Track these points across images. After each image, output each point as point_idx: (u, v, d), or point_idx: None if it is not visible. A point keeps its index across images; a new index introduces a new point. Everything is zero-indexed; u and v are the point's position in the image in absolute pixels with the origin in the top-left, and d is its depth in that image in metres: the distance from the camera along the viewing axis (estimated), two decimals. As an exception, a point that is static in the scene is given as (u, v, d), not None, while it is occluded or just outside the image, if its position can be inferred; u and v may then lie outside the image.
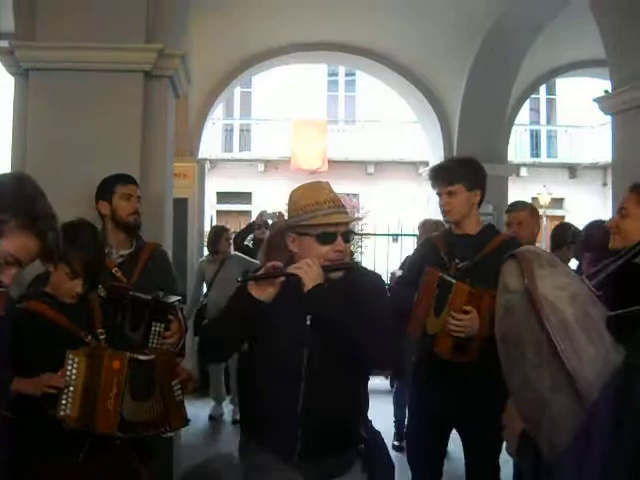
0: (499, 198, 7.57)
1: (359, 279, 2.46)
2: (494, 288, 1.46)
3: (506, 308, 1.28)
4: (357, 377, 2.53)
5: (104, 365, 2.56)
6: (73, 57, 3.96)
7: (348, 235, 2.44)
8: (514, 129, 10.46)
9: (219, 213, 18.17)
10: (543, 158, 21.19)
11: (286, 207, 2.53)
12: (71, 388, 2.52)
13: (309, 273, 2.28)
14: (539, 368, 1.20)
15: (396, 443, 5.76)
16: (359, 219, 5.59)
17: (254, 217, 8.74)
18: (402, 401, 5.53)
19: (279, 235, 2.99)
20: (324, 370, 2.31)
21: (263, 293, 2.32)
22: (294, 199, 2.44)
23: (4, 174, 1.99)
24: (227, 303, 2.50)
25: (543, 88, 17.80)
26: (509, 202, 5.36)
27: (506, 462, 3.82)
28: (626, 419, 1.07)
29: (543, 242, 12.07)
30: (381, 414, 6.22)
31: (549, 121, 21.75)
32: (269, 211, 7.86)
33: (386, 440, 6.37)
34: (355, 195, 19.84)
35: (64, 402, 2.51)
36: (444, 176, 3.34)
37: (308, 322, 2.37)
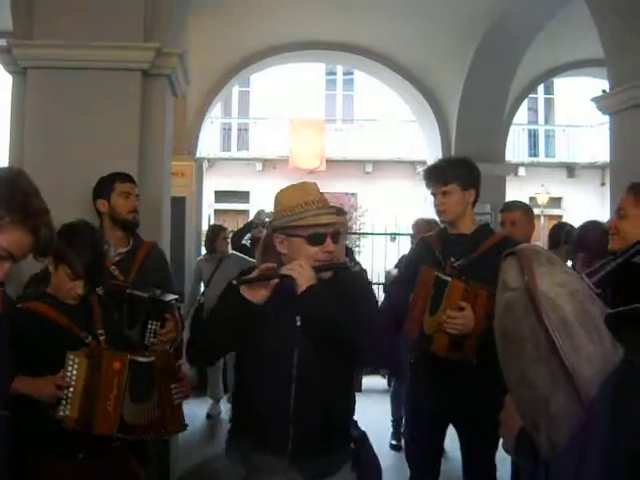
0: (497, 198, 7.57)
1: (344, 277, 2.47)
2: (490, 286, 1.46)
3: (506, 306, 1.28)
4: (346, 376, 2.55)
5: (104, 366, 2.56)
6: (71, 56, 3.96)
7: (337, 235, 2.44)
8: (512, 129, 10.47)
9: (217, 212, 18.16)
10: (541, 158, 21.20)
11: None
12: (71, 389, 2.52)
13: (303, 274, 2.28)
14: (537, 363, 1.20)
15: (394, 442, 5.78)
16: (347, 220, 5.57)
17: (252, 216, 8.74)
18: (399, 400, 5.54)
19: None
20: (314, 370, 2.32)
21: (256, 295, 2.31)
22: (281, 200, 2.42)
23: None
24: (217, 305, 2.49)
25: (541, 88, 17.82)
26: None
27: (504, 460, 3.83)
28: (624, 417, 1.07)
29: (540, 242, 12.08)
30: (379, 413, 6.26)
31: (547, 121, 21.76)
32: (267, 210, 7.85)
33: (384, 439, 6.42)
34: (353, 194, 19.86)
35: (64, 402, 2.51)
36: (438, 176, 3.34)
37: (298, 323, 2.37)
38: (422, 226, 5.77)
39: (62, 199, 3.61)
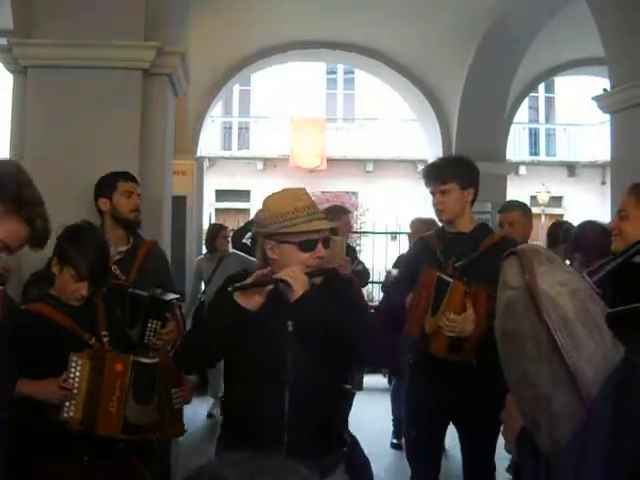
0: (497, 197, 7.57)
1: (331, 279, 2.46)
2: (490, 286, 1.46)
3: (507, 305, 1.28)
4: (339, 380, 2.55)
5: (106, 368, 2.56)
6: (72, 55, 3.96)
7: (328, 241, 2.44)
8: (513, 127, 10.47)
9: (218, 211, 18.15)
10: (542, 156, 21.18)
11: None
12: (74, 390, 2.52)
13: (298, 280, 2.28)
14: (538, 362, 1.20)
15: (395, 441, 5.78)
16: (350, 219, 5.56)
17: (252, 215, 8.74)
18: (400, 399, 5.53)
19: None
20: (308, 375, 2.31)
21: (250, 302, 2.30)
22: (270, 207, 2.40)
23: None
24: (209, 311, 2.48)
25: (542, 86, 17.77)
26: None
27: (503, 459, 3.84)
28: (625, 416, 1.07)
29: (541, 241, 12.07)
30: (380, 412, 6.26)
31: (548, 119, 21.74)
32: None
33: (385, 438, 6.41)
34: (354, 193, 19.85)
35: (67, 404, 2.51)
36: (437, 175, 3.34)
37: (290, 328, 2.37)
38: (419, 226, 5.78)
39: (63, 198, 3.61)
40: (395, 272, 5.01)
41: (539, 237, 13.45)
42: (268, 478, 0.91)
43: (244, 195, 19.94)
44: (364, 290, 6.38)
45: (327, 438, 2.41)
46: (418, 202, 10.65)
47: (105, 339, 2.68)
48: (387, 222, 10.80)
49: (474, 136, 8.78)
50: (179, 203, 6.25)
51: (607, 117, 5.63)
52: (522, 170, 19.70)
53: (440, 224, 3.61)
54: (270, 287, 2.32)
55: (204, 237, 7.54)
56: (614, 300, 1.39)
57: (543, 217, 18.03)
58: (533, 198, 18.67)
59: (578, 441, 1.13)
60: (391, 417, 5.97)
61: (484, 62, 8.31)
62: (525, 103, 11.97)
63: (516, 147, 19.05)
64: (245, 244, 7.54)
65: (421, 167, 10.97)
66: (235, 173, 19.58)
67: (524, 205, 4.70)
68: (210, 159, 17.08)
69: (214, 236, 6.86)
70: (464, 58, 8.50)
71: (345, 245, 3.92)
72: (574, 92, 18.62)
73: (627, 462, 1.06)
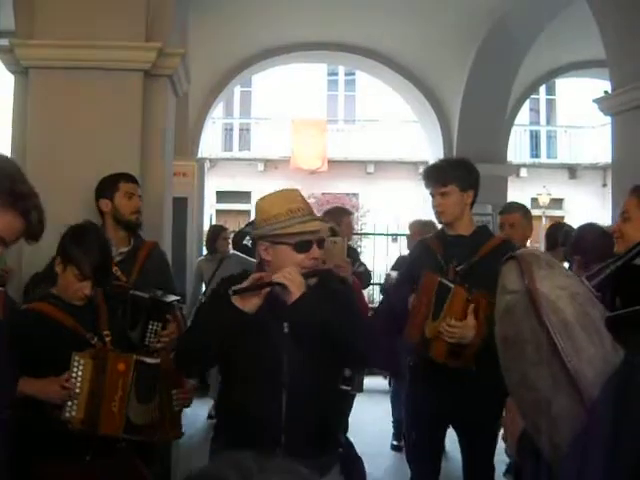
0: (498, 199, 7.58)
1: (325, 280, 2.47)
2: (491, 293, 1.46)
3: (506, 309, 1.28)
4: (335, 380, 2.56)
5: (108, 367, 2.56)
6: (73, 56, 3.96)
7: (322, 242, 2.45)
8: (514, 129, 10.48)
9: (219, 212, 18.17)
10: (543, 159, 21.19)
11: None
12: (77, 390, 2.52)
13: (295, 281, 2.28)
14: (538, 366, 1.20)
15: (395, 443, 5.78)
16: (352, 221, 5.57)
17: (253, 216, 8.73)
18: (399, 401, 5.53)
19: None
20: (304, 376, 2.31)
21: (247, 304, 2.30)
22: (264, 208, 2.40)
23: None
24: (205, 313, 2.48)
25: (543, 88, 17.80)
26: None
27: (502, 462, 3.84)
28: (626, 418, 1.07)
29: (542, 243, 12.06)
30: (380, 414, 6.26)
31: (549, 121, 21.75)
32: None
33: (385, 440, 6.41)
34: (355, 195, 19.86)
35: (69, 404, 2.51)
36: (437, 177, 3.34)
37: (286, 330, 2.37)
38: (418, 228, 5.78)
39: (63, 199, 3.61)
40: (394, 274, 5.00)
41: (539, 239, 13.44)
42: (269, 478, 0.90)
43: (245, 196, 19.93)
44: (365, 292, 6.38)
45: (324, 439, 2.41)
46: (419, 204, 10.65)
47: (107, 339, 2.69)
48: (388, 224, 10.80)
49: (475, 138, 8.78)
50: (180, 204, 6.24)
51: (608, 119, 5.63)
52: (523, 172, 19.71)
53: (439, 226, 3.60)
54: (267, 289, 2.32)
55: (205, 238, 7.54)
56: (613, 303, 1.39)
57: (544, 219, 18.03)
58: (534, 200, 18.68)
59: (579, 444, 1.13)
60: (391, 419, 5.97)
61: (485, 64, 8.32)
62: (526, 105, 11.97)
63: (517, 149, 19.06)
64: (246, 245, 7.53)
65: (422, 169, 10.97)
66: (236, 174, 19.59)
67: (525, 207, 4.70)
68: (211, 160, 17.10)
69: (214, 237, 6.86)
70: (465, 59, 8.51)
71: (346, 246, 3.91)
72: (575, 94, 18.63)
73: (628, 464, 1.07)
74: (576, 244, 3.62)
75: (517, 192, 12.56)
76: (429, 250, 3.39)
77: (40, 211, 1.78)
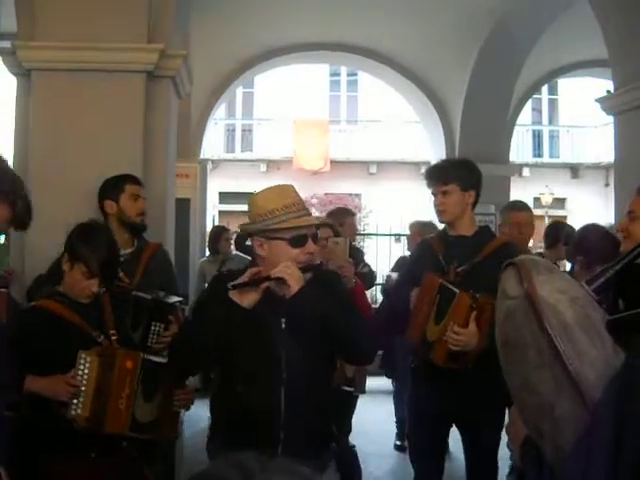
0: (501, 198, 7.57)
1: (319, 274, 2.47)
2: (493, 295, 1.46)
3: (507, 314, 1.28)
4: (329, 374, 2.58)
5: (117, 365, 2.56)
6: (75, 57, 3.97)
7: (316, 237, 2.46)
8: (516, 129, 10.47)
9: (221, 213, 18.16)
10: (545, 158, 21.15)
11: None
12: (82, 388, 2.52)
13: (293, 276, 2.28)
14: (540, 369, 1.20)
15: (398, 443, 5.78)
16: (355, 221, 5.57)
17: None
18: (402, 401, 5.53)
19: None
20: (303, 372, 2.32)
21: (245, 299, 2.30)
22: (259, 203, 2.42)
23: None
24: (202, 309, 2.48)
25: (545, 88, 17.80)
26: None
27: (505, 462, 3.83)
28: (628, 419, 1.08)
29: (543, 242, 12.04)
30: (383, 414, 6.26)
31: (551, 121, 21.72)
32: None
33: (388, 440, 6.40)
34: (357, 195, 19.84)
35: (75, 402, 2.51)
36: (439, 176, 3.34)
37: (283, 325, 2.37)
38: (417, 228, 5.78)
39: (66, 200, 3.62)
40: (395, 276, 5.00)
41: (542, 238, 13.43)
42: (271, 478, 0.91)
43: (247, 197, 19.63)
44: (368, 293, 6.38)
45: (322, 434, 2.42)
46: (421, 204, 10.65)
47: (113, 337, 2.69)
48: (390, 224, 10.79)
49: (477, 138, 8.78)
50: (183, 206, 6.25)
51: (610, 119, 5.62)
52: (525, 172, 19.67)
53: (439, 226, 3.60)
54: (266, 284, 2.32)
55: (207, 239, 7.55)
56: (616, 305, 1.39)
57: (546, 219, 18.00)
58: (536, 200, 18.66)
59: (583, 446, 1.13)
60: (394, 419, 5.98)
61: (487, 64, 8.32)
62: (528, 105, 11.96)
63: (519, 149, 19.04)
64: (249, 246, 7.54)
65: (424, 169, 10.97)
66: (238, 175, 19.58)
67: (527, 205, 4.69)
68: (213, 161, 17.12)
69: (217, 238, 6.87)
70: (466, 59, 8.51)
71: (348, 247, 3.91)
72: (577, 94, 18.61)
73: (631, 463, 1.07)
74: (579, 244, 3.61)
75: (519, 192, 12.54)
76: (431, 250, 3.39)
77: (26, 200, 1.79)
